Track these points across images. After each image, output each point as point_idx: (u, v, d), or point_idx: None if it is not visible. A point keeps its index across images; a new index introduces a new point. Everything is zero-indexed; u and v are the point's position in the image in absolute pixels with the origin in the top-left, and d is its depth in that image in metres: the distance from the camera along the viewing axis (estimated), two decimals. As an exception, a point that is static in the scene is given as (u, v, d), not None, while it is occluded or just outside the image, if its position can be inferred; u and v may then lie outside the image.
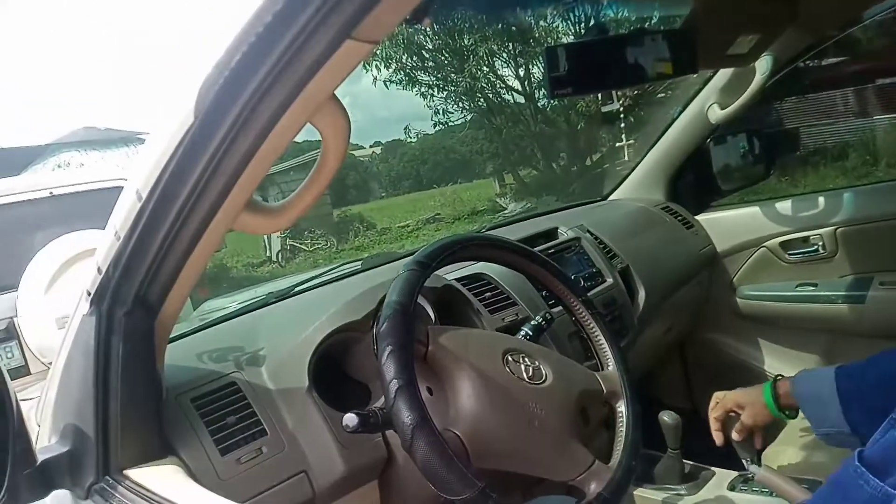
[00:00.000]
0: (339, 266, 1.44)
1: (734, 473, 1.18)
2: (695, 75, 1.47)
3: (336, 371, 0.99)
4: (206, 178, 0.58)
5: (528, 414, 0.80)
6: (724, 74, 1.59)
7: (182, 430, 0.78)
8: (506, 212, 10.21)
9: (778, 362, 1.78)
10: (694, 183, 1.87)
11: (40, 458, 0.71)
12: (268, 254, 10.38)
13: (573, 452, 0.80)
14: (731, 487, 1.16)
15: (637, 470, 0.86)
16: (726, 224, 1.81)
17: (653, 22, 1.44)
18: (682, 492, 1.18)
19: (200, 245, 0.65)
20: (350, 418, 0.75)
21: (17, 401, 0.69)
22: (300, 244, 10.48)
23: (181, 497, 0.66)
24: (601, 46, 1.07)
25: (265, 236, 9.65)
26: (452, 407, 0.79)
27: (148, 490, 0.67)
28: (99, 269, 0.66)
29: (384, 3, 0.47)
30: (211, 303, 2.17)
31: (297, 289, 1.26)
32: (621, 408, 0.90)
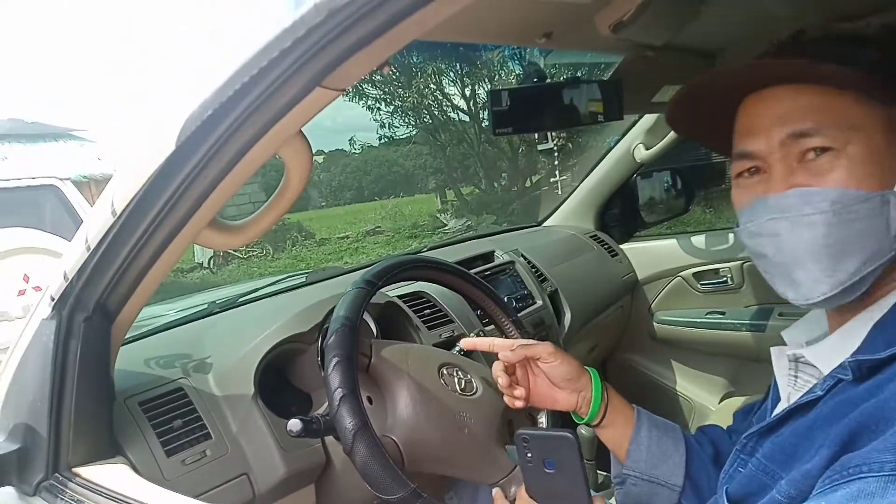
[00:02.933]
0: (284, 279, 1.48)
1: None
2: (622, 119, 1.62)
3: (279, 379, 1.04)
4: (175, 198, 0.64)
5: (459, 422, 0.88)
6: (649, 118, 1.75)
7: (130, 431, 0.81)
8: (446, 228, 10.34)
9: (688, 383, 1.94)
10: (620, 214, 2.02)
11: None
12: (198, 260, 10.03)
13: (498, 458, 0.88)
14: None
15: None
16: (647, 254, 1.97)
17: (584, 70, 1.58)
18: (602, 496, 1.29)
19: (163, 258, 0.70)
20: (294, 423, 0.80)
21: None
22: (234, 251, 10.18)
23: (130, 491, 0.70)
24: (539, 91, 1.18)
25: (197, 240, 9.38)
26: (390, 415, 0.86)
27: (98, 485, 0.70)
28: (65, 276, 0.69)
29: (353, 58, 0.55)
30: (147, 310, 2.13)
31: (241, 300, 1.29)
32: (542, 419, 1.00)
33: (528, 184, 10.84)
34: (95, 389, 0.75)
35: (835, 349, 0.61)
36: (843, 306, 0.60)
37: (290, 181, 0.73)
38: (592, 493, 0.67)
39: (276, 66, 0.53)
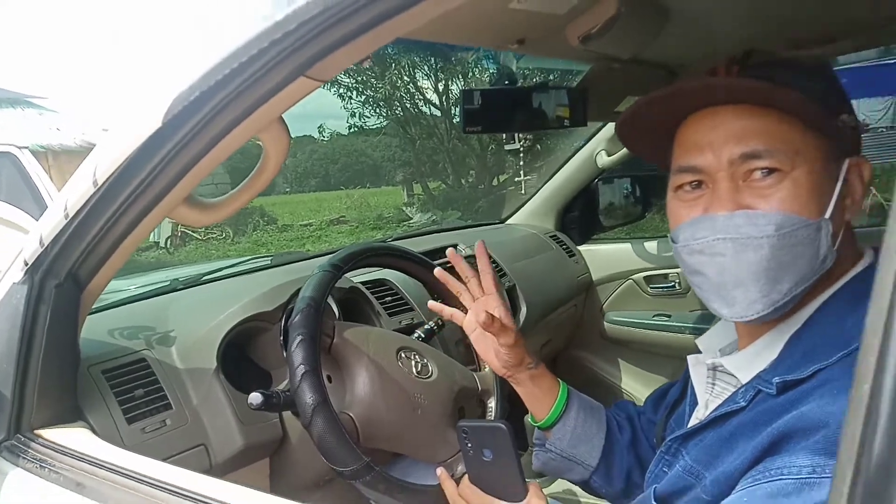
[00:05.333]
0: (249, 260, 1.50)
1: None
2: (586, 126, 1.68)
3: (241, 356, 1.07)
4: (156, 173, 0.66)
5: (414, 403, 0.93)
6: (613, 126, 1.82)
7: (93, 398, 0.84)
8: (411, 221, 10.35)
9: (634, 381, 2.03)
10: (580, 217, 2.09)
11: None
12: (156, 238, 9.79)
13: (447, 438, 0.94)
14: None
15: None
16: (603, 256, 2.05)
17: (556, 74, 1.64)
18: (538, 483, 1.36)
19: (137, 230, 0.73)
20: (255, 397, 0.84)
21: None
22: (192, 232, 9.96)
23: (91, 451, 0.72)
24: (510, 93, 1.23)
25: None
26: (349, 393, 0.90)
27: (60, 446, 0.73)
28: (41, 242, 0.71)
29: (338, 51, 0.59)
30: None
31: (205, 278, 1.31)
32: (492, 404, 1.05)
33: (495, 182, 10.94)
34: (61, 355, 0.77)
35: (753, 360, 0.65)
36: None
37: (267, 164, 0.77)
38: (530, 480, 0.73)
39: (263, 54, 0.57)
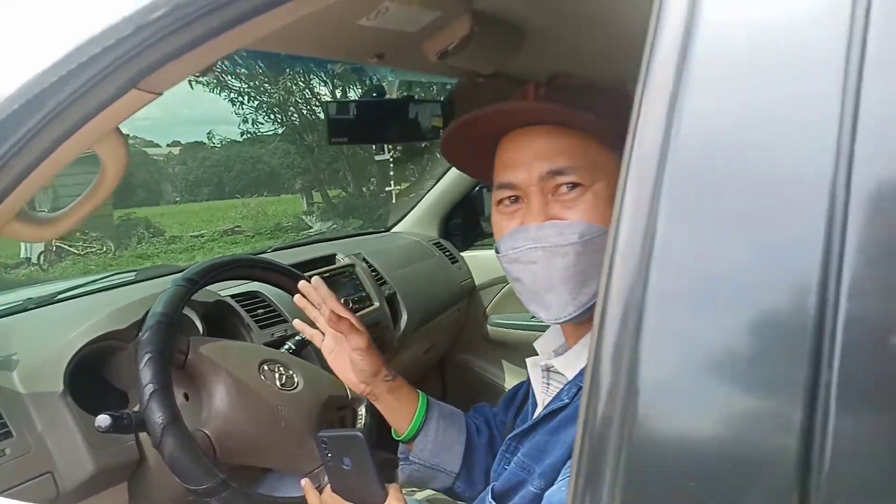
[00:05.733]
0: (110, 276, 1.43)
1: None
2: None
3: (95, 378, 1.02)
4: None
5: (277, 416, 0.93)
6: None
7: (-87, 431, 0.77)
8: (311, 230, 10.14)
9: (516, 381, 2.10)
10: (463, 224, 2.16)
11: None
12: (27, 254, 8.96)
13: (312, 449, 0.94)
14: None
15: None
16: (485, 262, 2.12)
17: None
18: (415, 489, 1.39)
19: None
20: (102, 419, 0.81)
21: None
22: (69, 246, 9.21)
23: None
24: (377, 106, 1.26)
25: (26, 233, 8.33)
26: (206, 410, 0.89)
27: None
28: None
29: (171, 63, 0.58)
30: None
31: (60, 296, 1.23)
32: (362, 411, 1.07)
33: (391, 190, 10.96)
34: None
35: (576, 358, 0.71)
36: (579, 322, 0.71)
37: (105, 177, 0.74)
38: (391, 484, 0.75)
39: (91, 64, 0.56)
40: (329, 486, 0.78)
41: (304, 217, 11.42)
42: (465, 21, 0.97)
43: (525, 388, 0.89)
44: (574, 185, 0.66)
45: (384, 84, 1.47)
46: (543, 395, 0.76)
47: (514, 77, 1.42)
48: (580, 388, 0.66)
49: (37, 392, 0.90)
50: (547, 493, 0.62)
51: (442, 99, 1.42)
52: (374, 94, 1.34)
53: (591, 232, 0.65)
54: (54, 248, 8.93)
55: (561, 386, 0.73)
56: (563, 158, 0.66)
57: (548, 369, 0.75)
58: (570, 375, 0.70)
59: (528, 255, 0.66)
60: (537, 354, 0.81)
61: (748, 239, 0.32)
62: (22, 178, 0.65)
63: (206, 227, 11.00)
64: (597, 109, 0.66)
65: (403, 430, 0.88)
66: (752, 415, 0.31)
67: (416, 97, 1.36)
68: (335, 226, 10.24)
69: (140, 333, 0.83)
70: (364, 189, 11.49)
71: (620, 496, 0.33)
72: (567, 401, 0.68)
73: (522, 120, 0.69)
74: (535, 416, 0.76)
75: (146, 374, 0.79)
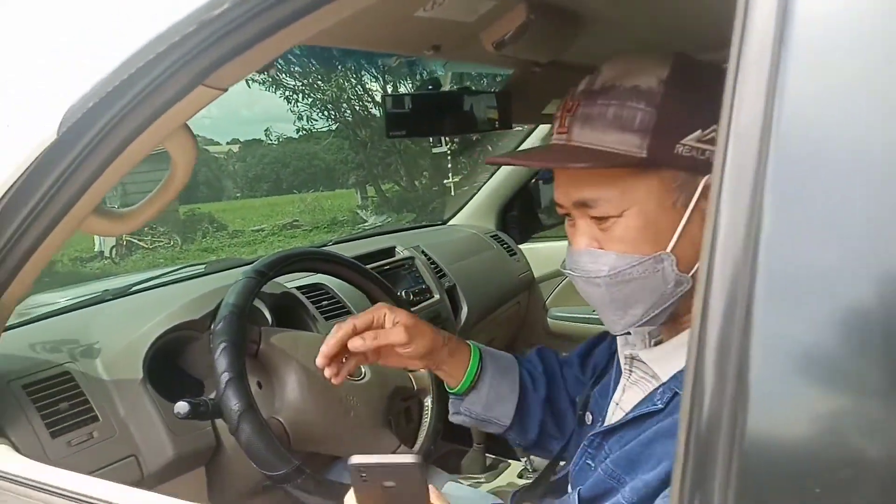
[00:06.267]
0: (181, 268, 1.49)
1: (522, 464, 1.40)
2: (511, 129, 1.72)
3: (172, 366, 1.06)
4: (57, 187, 0.66)
5: (346, 405, 0.94)
6: (548, 127, 1.87)
7: (13, 414, 0.82)
8: (366, 224, 10.28)
9: (576, 374, 2.09)
10: (520, 216, 2.14)
11: None
12: (100, 248, 9.45)
13: (382, 438, 0.95)
14: (520, 475, 1.38)
15: (435, 454, 1.03)
16: (544, 254, 2.10)
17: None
18: (483, 480, 1.39)
19: (46, 244, 0.72)
20: (181, 406, 0.84)
21: None
22: (139, 241, 9.66)
23: (7, 467, 0.71)
24: (435, 97, 1.26)
25: (99, 230, 8.77)
26: (278, 399, 0.91)
27: None
28: None
29: (235, 59, 0.60)
30: (37, 297, 2.04)
31: (134, 288, 1.29)
32: (428, 402, 1.07)
33: (448, 182, 10.97)
34: None
35: (671, 355, 0.67)
36: (671, 319, 0.67)
37: (175, 173, 0.77)
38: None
39: (159, 62, 0.57)
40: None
41: (358, 211, 11.59)
42: (522, 9, 0.96)
43: (605, 353, 0.86)
44: (602, 217, 0.64)
45: (438, 77, 1.47)
46: (625, 382, 0.74)
47: (570, 65, 1.39)
48: (676, 394, 0.64)
49: (119, 379, 0.95)
50: None
51: (490, 89, 1.41)
52: (430, 87, 1.34)
53: (623, 263, 0.63)
54: (125, 243, 9.38)
55: (647, 377, 0.71)
56: (588, 190, 0.64)
57: (632, 358, 0.73)
58: (661, 373, 0.67)
59: (574, 279, 0.68)
60: (626, 337, 0.75)
61: (864, 232, 0.30)
62: (98, 175, 0.67)
63: (266, 222, 11.32)
64: (633, 122, 0.61)
65: (456, 384, 0.84)
66: (878, 416, 0.29)
67: (470, 89, 1.35)
68: (389, 219, 10.33)
69: (214, 323, 0.86)
70: (417, 183, 11.55)
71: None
72: (661, 406, 0.65)
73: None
74: (618, 401, 0.73)
75: (222, 362, 0.81)
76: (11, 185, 0.64)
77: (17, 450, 0.80)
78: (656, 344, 0.73)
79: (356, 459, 0.62)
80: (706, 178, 0.61)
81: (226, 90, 0.66)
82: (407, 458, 0.63)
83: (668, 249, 0.63)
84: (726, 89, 0.36)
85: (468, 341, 0.87)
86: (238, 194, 15.48)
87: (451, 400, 0.88)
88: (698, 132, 0.61)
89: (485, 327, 1.82)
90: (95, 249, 9.38)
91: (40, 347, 0.95)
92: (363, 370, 1.01)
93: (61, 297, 1.52)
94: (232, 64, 0.58)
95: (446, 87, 1.37)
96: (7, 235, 0.67)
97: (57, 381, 0.89)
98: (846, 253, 0.30)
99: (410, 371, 1.12)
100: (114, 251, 9.31)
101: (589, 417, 0.80)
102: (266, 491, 1.07)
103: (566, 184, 0.66)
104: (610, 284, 0.64)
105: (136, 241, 9.47)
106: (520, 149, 1.92)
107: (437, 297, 1.60)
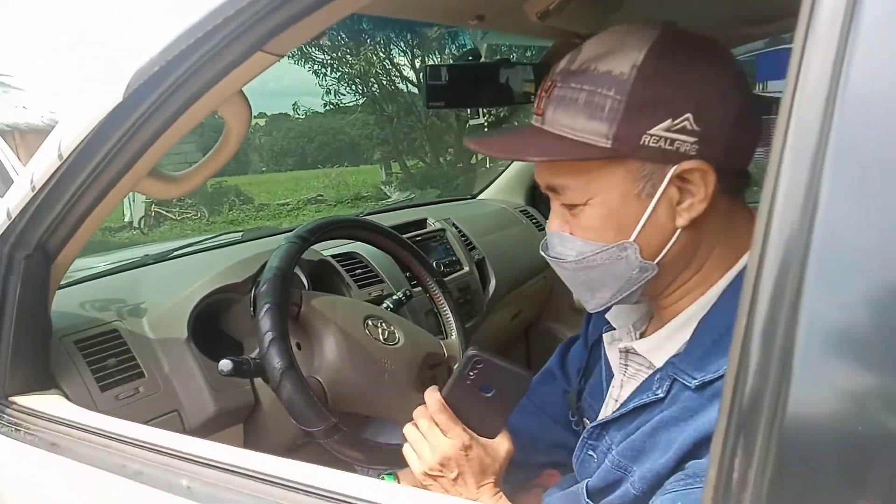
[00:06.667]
0: (219, 235, 1.52)
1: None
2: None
3: (213, 327, 1.09)
4: (120, 146, 0.68)
5: (381, 368, 0.96)
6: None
7: (66, 367, 0.86)
8: (390, 200, 10.30)
9: (602, 351, 2.09)
10: (550, 192, 2.13)
11: None
12: (129, 219, 9.63)
13: (415, 401, 0.97)
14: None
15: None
16: (572, 230, 2.09)
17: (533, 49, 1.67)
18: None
19: (104, 202, 0.75)
20: (225, 363, 0.87)
21: None
22: (167, 212, 9.81)
23: (63, 414, 0.75)
24: (474, 69, 1.26)
25: (128, 200, 8.93)
26: (317, 359, 0.94)
27: (34, 410, 0.75)
28: (8, 215, 0.73)
29: (294, 26, 0.61)
30: (78, 261, 2.10)
31: (175, 253, 1.33)
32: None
33: (473, 160, 10.92)
34: (33, 325, 0.79)
35: (664, 344, 0.67)
36: (659, 299, 0.69)
37: (229, 138, 0.79)
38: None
39: (221, 29, 0.59)
40: (443, 394, 0.71)
41: (382, 187, 11.61)
42: (568, -22, 0.95)
43: (582, 349, 0.87)
44: (568, 204, 0.65)
45: (477, 48, 1.46)
46: (622, 377, 0.74)
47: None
48: (674, 380, 0.64)
49: (164, 338, 0.98)
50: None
51: (527, 62, 1.40)
52: (469, 58, 1.34)
53: (588, 250, 0.64)
54: (153, 213, 9.55)
55: (643, 367, 0.70)
56: (556, 178, 0.65)
57: (627, 351, 0.73)
58: (657, 360, 0.67)
59: (547, 259, 0.70)
60: (612, 333, 0.77)
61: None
62: (157, 138, 0.70)
63: (291, 196, 11.41)
64: (603, 107, 0.60)
65: None
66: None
67: (509, 61, 1.34)
68: (413, 196, 10.33)
69: (258, 286, 0.88)
70: (441, 159, 11.51)
71: (769, 479, 0.32)
72: (661, 395, 0.65)
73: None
74: (616, 397, 0.73)
75: (265, 322, 0.84)
76: (77, 145, 0.66)
77: (69, 399, 0.84)
78: (642, 336, 0.74)
79: (475, 350, 0.67)
80: (674, 168, 0.60)
81: (282, 57, 0.67)
82: (522, 368, 0.67)
83: (632, 238, 0.63)
84: (790, 69, 0.35)
85: None
86: (264, 168, 15.58)
87: None
88: (668, 122, 0.59)
89: (512, 300, 1.83)
90: (125, 219, 9.57)
91: (89, 306, 0.99)
92: (397, 335, 1.03)
93: (100, 262, 1.57)
94: (291, 30, 0.59)
95: (484, 59, 1.36)
96: (69, 194, 0.70)
97: (105, 338, 0.93)
98: None
99: (442, 339, 1.14)
100: (142, 221, 9.47)
101: (586, 423, 0.80)
102: (299, 449, 1.10)
103: (540, 168, 0.66)
104: (576, 269, 0.66)
105: (164, 211, 9.62)
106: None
107: (466, 268, 1.61)
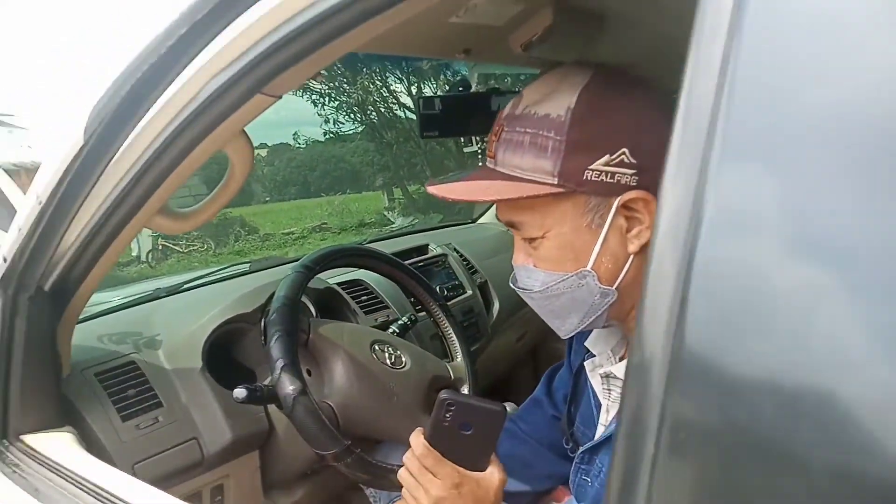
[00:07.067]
0: (227, 267, 1.57)
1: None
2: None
3: (226, 356, 1.13)
4: (128, 188, 0.73)
5: (389, 392, 1.00)
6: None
7: (88, 399, 0.90)
8: (393, 226, 10.35)
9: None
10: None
11: None
12: (136, 253, 9.72)
13: (422, 423, 1.01)
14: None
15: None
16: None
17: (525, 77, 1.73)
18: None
19: (118, 239, 0.79)
20: (239, 391, 0.90)
21: None
22: (173, 245, 9.90)
23: (66, 461, 0.77)
24: (466, 98, 1.31)
25: (136, 235, 9.02)
26: (327, 385, 0.97)
27: (38, 453, 0.78)
28: (3, 258, 0.77)
29: (290, 69, 0.66)
30: (93, 296, 2.14)
31: (186, 285, 1.37)
32: (465, 390, 1.13)
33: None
34: (40, 363, 0.82)
35: None
36: (628, 321, 0.72)
37: (234, 174, 0.84)
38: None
39: (222, 74, 0.64)
40: (426, 437, 0.74)
41: (385, 213, 11.67)
42: (548, 11, 1.00)
43: (567, 377, 0.90)
44: (526, 238, 0.69)
45: (467, 78, 1.52)
46: (607, 402, 0.77)
47: (597, 64, 1.43)
48: None
49: (180, 368, 1.02)
50: None
51: (517, 89, 1.45)
52: (460, 88, 1.39)
53: (551, 280, 0.68)
54: (161, 247, 9.64)
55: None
56: (511, 214, 0.69)
57: (607, 376, 0.76)
58: None
59: (516, 290, 0.74)
60: (592, 360, 0.80)
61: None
62: (164, 179, 0.74)
63: (295, 225, 11.48)
64: (547, 147, 0.64)
65: None
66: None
67: (499, 90, 1.40)
68: (416, 220, 10.38)
69: (268, 315, 0.92)
70: (443, 183, 11.55)
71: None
72: None
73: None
74: (605, 430, 0.76)
75: (276, 350, 0.88)
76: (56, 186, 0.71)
77: (80, 439, 0.85)
78: (621, 360, 0.77)
79: (446, 393, 0.70)
80: (618, 199, 0.64)
81: (280, 97, 0.72)
82: (494, 404, 0.69)
83: (589, 266, 0.67)
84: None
85: None
86: (267, 198, 15.68)
87: None
88: (606, 157, 0.63)
89: (516, 322, 1.86)
90: (133, 254, 9.65)
91: (107, 339, 1.03)
92: (404, 359, 1.06)
93: (114, 296, 1.62)
94: (288, 72, 0.64)
95: (474, 88, 1.42)
96: (87, 232, 0.75)
97: (124, 370, 0.97)
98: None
99: (448, 361, 1.17)
100: (150, 255, 9.56)
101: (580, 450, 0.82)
102: (313, 474, 1.13)
103: (500, 205, 0.70)
104: (542, 298, 0.70)
105: (171, 245, 9.71)
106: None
107: (469, 292, 1.65)
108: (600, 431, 0.78)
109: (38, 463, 0.79)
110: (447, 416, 0.71)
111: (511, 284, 0.76)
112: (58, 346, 0.88)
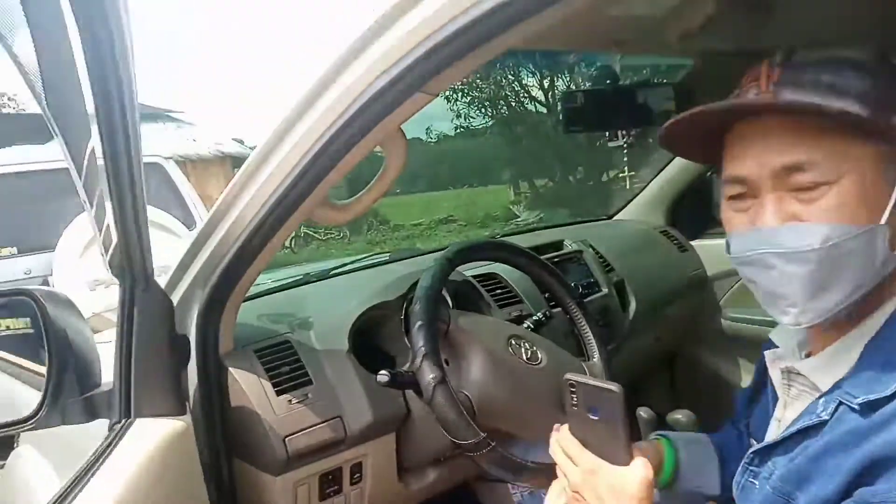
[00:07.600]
0: (370, 256, 1.64)
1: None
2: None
3: (367, 341, 1.19)
4: (295, 182, 0.79)
5: (525, 386, 1.00)
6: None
7: (247, 373, 0.98)
8: (519, 219, 10.34)
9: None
10: (692, 211, 2.05)
11: (93, 390, 0.83)
12: (281, 239, 10.51)
13: (557, 420, 0.99)
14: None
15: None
16: (718, 251, 1.99)
17: (664, 68, 1.65)
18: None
19: (283, 227, 0.86)
20: (383, 375, 0.94)
21: (85, 339, 0.83)
22: (313, 233, 10.62)
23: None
24: (611, 92, 1.27)
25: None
26: (464, 375, 0.99)
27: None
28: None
29: (450, 68, 0.67)
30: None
31: (333, 272, 1.46)
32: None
33: (604, 178, 10.67)
34: (160, 354, 0.85)
35: (830, 364, 0.64)
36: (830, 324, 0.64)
37: (388, 169, 0.88)
38: (639, 447, 0.74)
39: (386, 75, 0.67)
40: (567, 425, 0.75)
41: (511, 206, 11.67)
42: (711, 1, 0.94)
43: (755, 375, 0.84)
44: (817, 184, 0.59)
45: (614, 70, 1.47)
46: (786, 398, 0.71)
47: (756, 53, 1.32)
48: (840, 404, 0.60)
49: (328, 349, 1.09)
50: None
51: (666, 81, 1.38)
52: (608, 81, 1.35)
53: (837, 234, 0.58)
54: (302, 234, 10.38)
55: (807, 389, 0.67)
56: (800, 151, 0.59)
57: (789, 372, 0.70)
58: (822, 383, 0.64)
59: (763, 260, 0.62)
60: (774, 351, 0.74)
61: None
62: (329, 170, 0.79)
63: (424, 216, 11.84)
64: (849, 90, 0.59)
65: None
66: None
67: (646, 82, 1.34)
68: (541, 215, 10.29)
69: (412, 304, 0.95)
70: (570, 177, 11.36)
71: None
72: (826, 417, 0.61)
73: (758, 110, 0.63)
74: (780, 417, 0.71)
75: (418, 338, 0.90)
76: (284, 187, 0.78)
77: (189, 429, 0.87)
78: (807, 356, 0.70)
79: (570, 375, 0.71)
80: None
81: (437, 95, 0.74)
82: (609, 384, 0.68)
83: (883, 222, 0.59)
84: None
85: (656, 438, 0.89)
86: (398, 190, 16.28)
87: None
88: None
89: (654, 323, 1.78)
90: (277, 240, 10.44)
91: (265, 319, 1.12)
92: (540, 356, 1.05)
93: (267, 279, 1.76)
94: (448, 70, 0.65)
95: (621, 81, 1.37)
96: (257, 221, 0.82)
97: (280, 348, 1.05)
98: None
99: (584, 361, 1.14)
100: (293, 242, 10.32)
101: (753, 442, 0.78)
102: (445, 461, 1.16)
103: (766, 151, 0.61)
104: (822, 259, 0.58)
105: (311, 233, 10.42)
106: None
107: (605, 290, 1.60)
108: (773, 427, 0.73)
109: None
110: (573, 399, 0.72)
111: (742, 254, 0.64)
112: (180, 335, 0.91)
